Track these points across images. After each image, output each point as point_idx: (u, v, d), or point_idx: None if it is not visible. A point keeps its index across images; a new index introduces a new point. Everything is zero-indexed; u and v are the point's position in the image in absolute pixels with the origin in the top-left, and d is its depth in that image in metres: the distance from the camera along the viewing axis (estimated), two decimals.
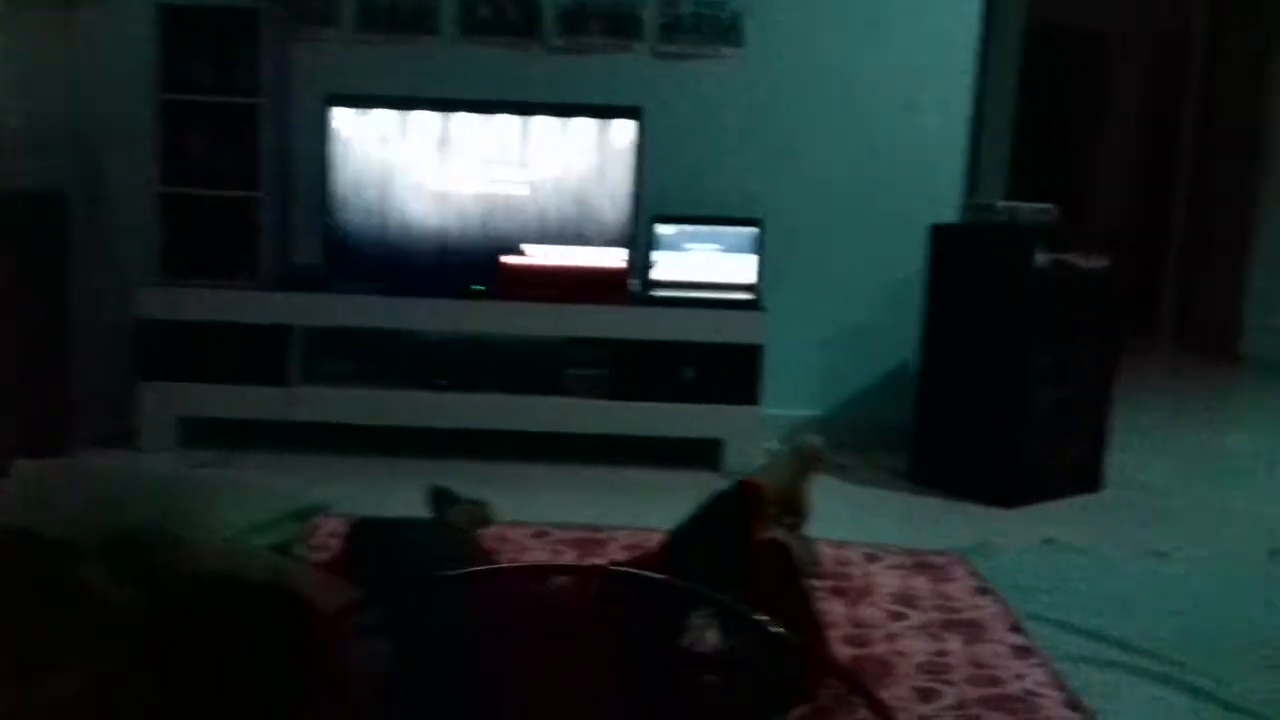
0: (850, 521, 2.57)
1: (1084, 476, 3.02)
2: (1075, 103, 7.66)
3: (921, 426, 3.08)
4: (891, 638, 1.82)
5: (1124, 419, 3.68)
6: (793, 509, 1.80)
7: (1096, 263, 2.97)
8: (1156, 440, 3.74)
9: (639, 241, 3.16)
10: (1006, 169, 5.55)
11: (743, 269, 3.21)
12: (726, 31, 3.34)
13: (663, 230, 3.22)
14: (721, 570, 1.62)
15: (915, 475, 3.05)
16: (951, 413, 2.99)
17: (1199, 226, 6.70)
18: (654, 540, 1.74)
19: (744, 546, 1.62)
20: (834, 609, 1.93)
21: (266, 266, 3.09)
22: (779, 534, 1.67)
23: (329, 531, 2.05)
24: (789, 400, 3.37)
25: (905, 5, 3.33)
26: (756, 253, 3.21)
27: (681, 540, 1.67)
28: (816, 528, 1.96)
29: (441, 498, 2.14)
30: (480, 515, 2.12)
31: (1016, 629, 1.89)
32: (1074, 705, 1.60)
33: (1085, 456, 3.03)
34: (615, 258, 3.12)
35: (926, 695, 1.61)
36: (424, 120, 3.10)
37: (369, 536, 1.70)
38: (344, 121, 3.07)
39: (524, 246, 3.11)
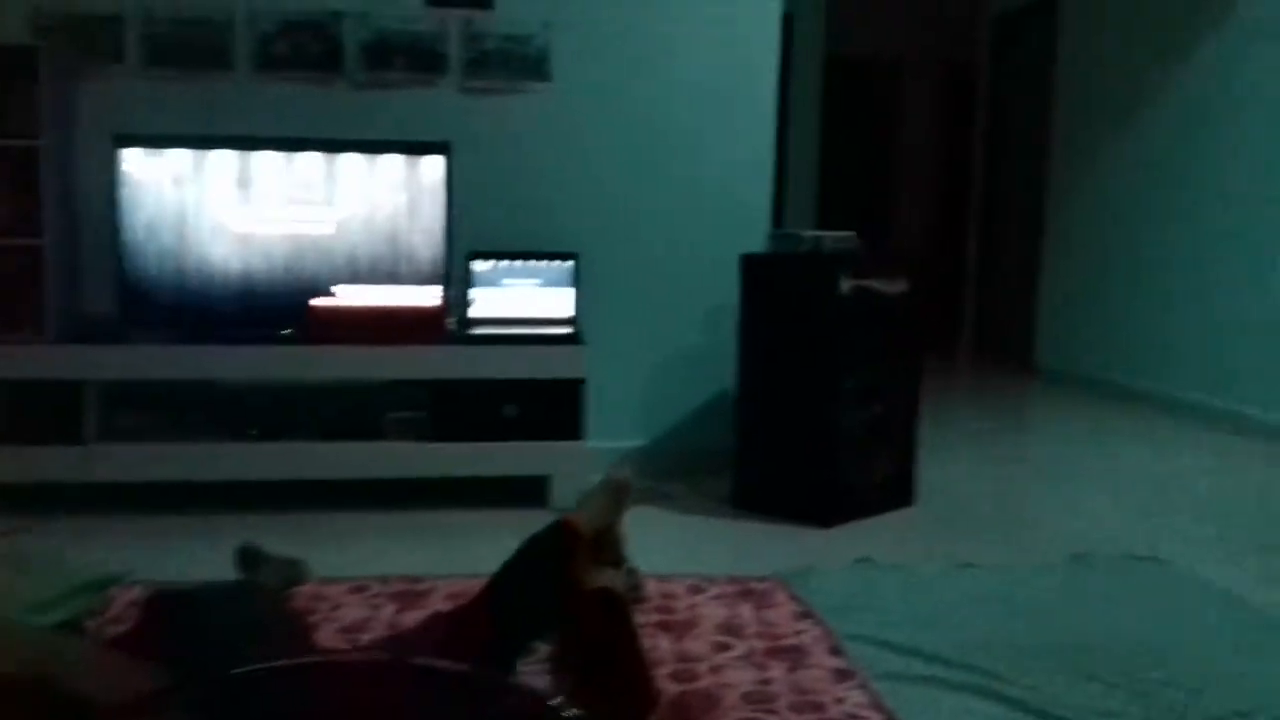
0: (676, 551, 2.59)
1: (897, 492, 3.14)
2: (875, 131, 8.01)
3: (742, 452, 3.13)
4: (717, 670, 1.83)
5: (932, 434, 3.85)
6: (610, 543, 1.80)
7: (897, 287, 3.10)
8: (963, 452, 3.92)
9: (454, 279, 3.12)
10: (815, 197, 5.75)
11: (561, 303, 3.21)
12: (533, 66, 3.34)
13: (478, 266, 3.19)
14: (541, 612, 1.61)
15: (738, 500, 3.10)
16: (770, 437, 3.05)
17: (993, 247, 7.09)
18: (477, 587, 1.70)
19: (562, 586, 1.61)
20: (660, 644, 1.93)
21: (54, 318, 2.90)
22: (607, 578, 1.66)
23: (129, 600, 1.93)
24: (614, 432, 3.38)
25: (707, 38, 3.41)
26: (574, 286, 3.21)
27: (500, 585, 1.64)
28: (644, 560, 1.97)
29: (251, 557, 2.04)
30: (293, 574, 2.03)
31: (836, 651, 1.93)
32: None
33: (897, 473, 3.15)
34: (430, 296, 3.07)
35: None
36: (221, 160, 2.98)
37: (168, 607, 1.60)
38: (134, 162, 2.92)
39: (334, 288, 3.03)
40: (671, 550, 2.59)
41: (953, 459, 3.76)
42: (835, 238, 3.12)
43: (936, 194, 8.02)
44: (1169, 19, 5.15)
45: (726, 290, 3.38)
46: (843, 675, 1.82)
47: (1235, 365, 4.59)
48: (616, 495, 1.79)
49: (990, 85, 7.09)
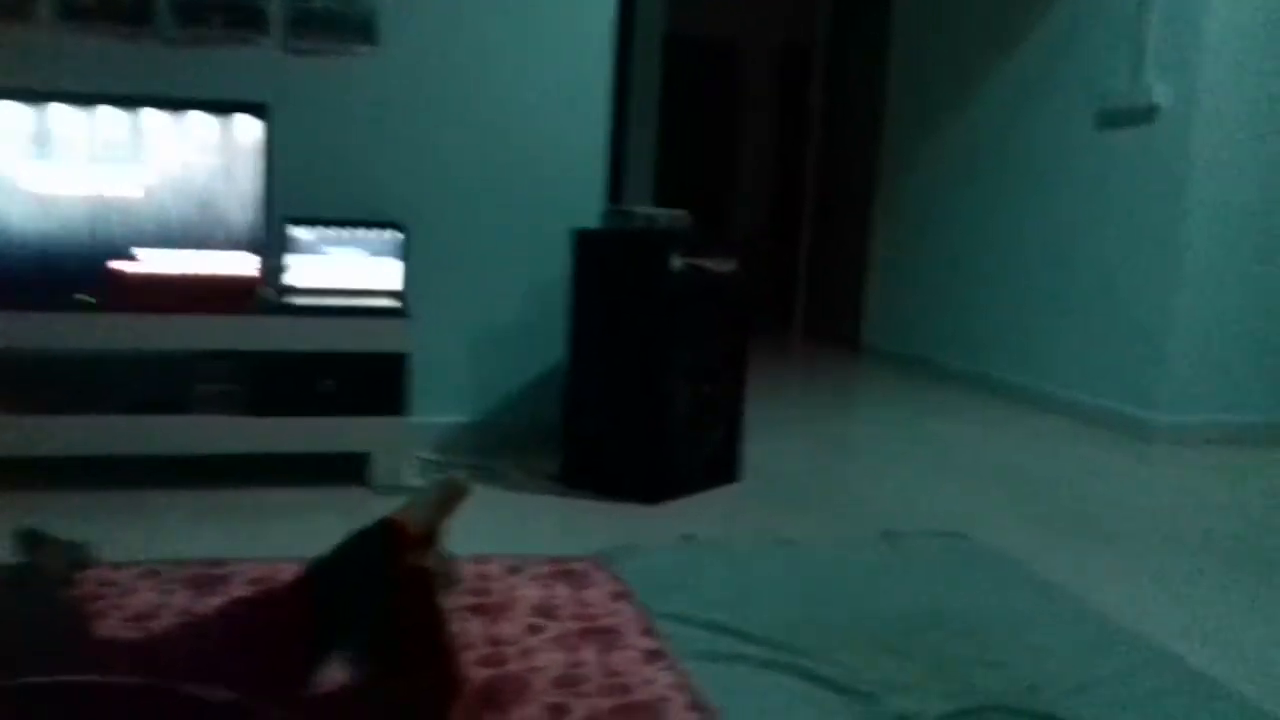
0: (500, 530, 2.55)
1: (723, 469, 3.17)
2: (715, 111, 8.07)
3: (571, 428, 3.11)
4: (528, 653, 1.81)
5: (761, 412, 3.89)
6: (437, 545, 1.74)
7: (728, 266, 3.12)
8: (789, 430, 3.99)
9: (272, 246, 2.98)
10: (653, 175, 5.75)
11: (387, 274, 3.12)
12: (360, 28, 3.22)
13: (298, 234, 3.06)
14: (364, 610, 1.55)
15: (567, 477, 3.08)
16: (598, 413, 3.04)
17: (827, 228, 7.25)
18: (284, 573, 1.62)
19: (388, 585, 1.56)
20: (472, 628, 1.89)
21: None
22: (418, 557, 1.62)
23: None
24: (440, 407, 3.31)
25: (542, 9, 3.35)
26: (401, 257, 3.12)
27: (323, 579, 1.58)
28: (465, 541, 1.92)
29: (30, 540, 1.91)
30: (77, 557, 1.91)
31: (649, 632, 1.93)
32: (697, 706, 1.65)
33: (724, 449, 3.18)
34: (245, 264, 2.93)
35: (558, 711, 1.60)
36: (15, 114, 2.77)
37: None
38: None
39: (139, 252, 2.86)
40: (495, 529, 2.55)
41: (779, 436, 3.82)
42: (668, 216, 3.12)
43: (774, 175, 8.15)
44: (995, 9, 5.33)
45: (558, 265, 3.34)
46: (654, 656, 1.82)
47: (1044, 346, 4.82)
48: (449, 499, 1.72)
49: (827, 68, 7.23)
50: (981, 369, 5.27)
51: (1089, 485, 3.39)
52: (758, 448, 3.47)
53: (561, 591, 2.10)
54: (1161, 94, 4.12)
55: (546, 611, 2.00)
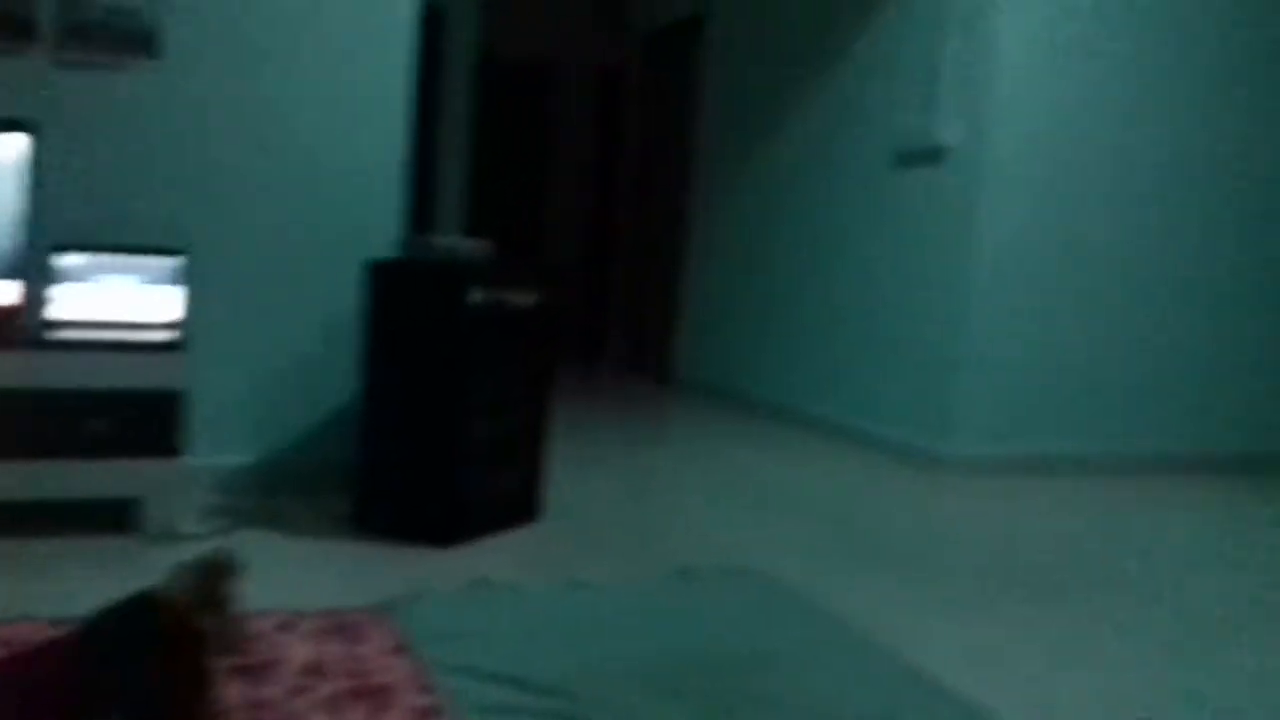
0: (279, 580, 2.40)
1: (523, 508, 3.10)
2: (531, 137, 8.03)
3: (363, 468, 2.99)
4: (291, 718, 1.69)
5: (567, 447, 3.85)
6: (219, 606, 1.62)
7: (530, 298, 3.06)
8: (596, 466, 3.96)
9: (35, 274, 2.76)
10: (466, 202, 5.66)
11: (165, 304, 2.92)
12: (141, 40, 3.03)
13: (65, 261, 2.84)
14: (131, 675, 1.44)
15: (359, 520, 2.95)
16: (392, 452, 2.93)
17: (641, 259, 7.28)
18: (33, 633, 1.47)
19: (156, 650, 1.45)
20: (234, 692, 1.76)
21: None
22: (193, 619, 1.51)
23: None
24: (222, 447, 3.13)
25: (336, 29, 3.23)
26: (181, 287, 2.93)
27: (90, 641, 1.46)
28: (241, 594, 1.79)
29: None
30: None
31: (426, 688, 1.84)
32: None
33: (524, 488, 3.11)
34: (4, 292, 2.70)
35: None
36: None
37: None
38: None
39: None
40: (275, 579, 2.40)
41: (584, 472, 3.78)
42: (469, 246, 3.04)
43: (590, 204, 8.16)
44: (800, 46, 5.48)
45: (351, 296, 3.22)
46: (428, 714, 1.73)
47: (847, 379, 4.94)
48: (217, 573, 1.58)
49: (641, 98, 7.29)
50: (789, 401, 5.37)
51: (886, 516, 3.47)
52: (562, 484, 3.42)
53: (335, 648, 1.99)
54: (951, 135, 4.30)
55: (316, 670, 1.88)
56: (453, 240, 3.05)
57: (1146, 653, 2.36)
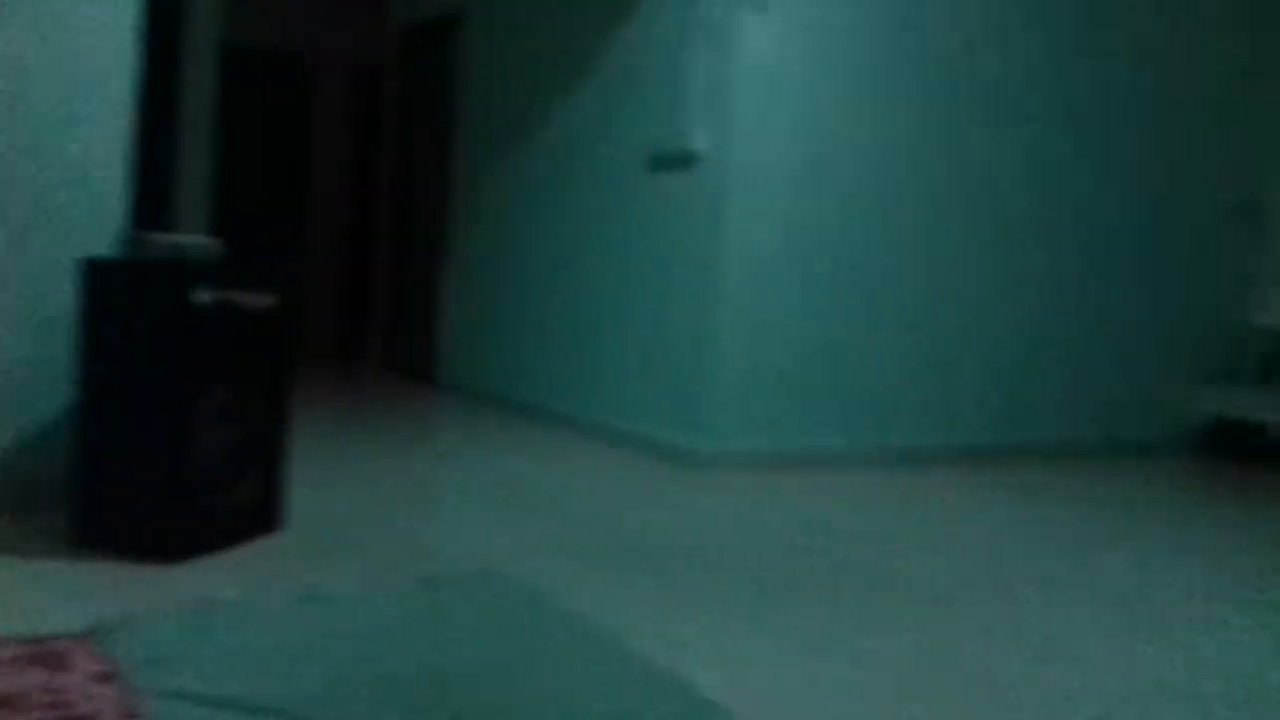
0: None
1: (262, 519, 2.95)
2: (287, 133, 7.72)
3: (82, 480, 2.76)
4: None
5: (321, 451, 3.71)
6: None
7: (263, 300, 2.92)
8: (347, 470, 3.83)
9: None
10: (210, 199, 5.36)
11: None
12: None
13: None
14: None
15: (77, 536, 2.72)
16: (114, 462, 2.72)
17: (402, 259, 7.13)
18: None
19: None
20: None
21: None
22: None
23: None
24: None
25: (51, 9, 2.98)
26: None
27: None
28: None
29: None
30: None
31: (134, 715, 1.71)
32: None
33: (263, 498, 2.96)
34: None
35: None
36: None
37: None
38: None
39: None
40: None
41: (334, 479, 3.65)
42: (197, 245, 2.87)
43: (349, 203, 7.93)
44: (555, 48, 5.49)
45: (65, 296, 2.98)
46: None
47: (604, 379, 4.99)
48: None
49: (399, 97, 7.13)
50: (549, 402, 5.37)
51: (639, 515, 3.51)
52: (309, 493, 3.28)
53: (33, 679, 1.82)
54: (700, 140, 4.41)
55: (9, 704, 1.72)
56: (178, 238, 2.87)
57: (892, 647, 2.47)
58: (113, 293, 2.74)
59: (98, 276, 2.75)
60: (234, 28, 6.07)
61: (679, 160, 4.54)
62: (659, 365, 4.65)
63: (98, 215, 3.06)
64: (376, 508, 3.37)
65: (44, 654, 1.93)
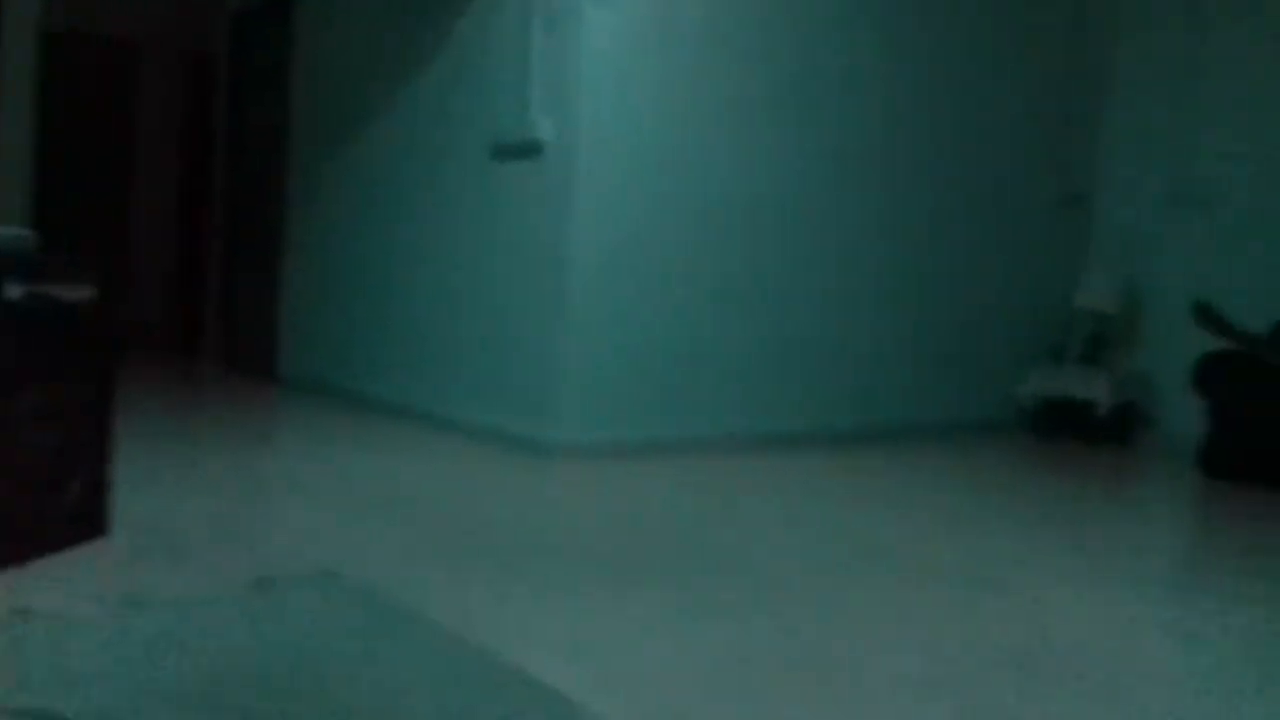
0: None
1: (85, 524, 2.80)
2: (112, 121, 7.38)
3: None
4: None
5: (156, 451, 3.55)
6: None
7: (82, 294, 2.77)
8: (183, 470, 3.68)
9: None
10: (28, 189, 5.08)
11: None
12: None
13: None
14: None
15: None
16: None
17: (238, 251, 6.90)
18: None
19: None
20: None
21: None
22: None
23: None
24: None
25: None
26: None
27: None
28: None
29: None
30: None
31: None
32: None
33: (85, 501, 2.81)
34: None
35: None
36: None
37: None
38: None
39: None
40: None
41: (169, 481, 3.50)
42: (11, 236, 2.70)
43: (179, 194, 7.63)
44: (391, 37, 5.38)
45: None
46: None
47: (450, 371, 4.92)
48: None
49: (231, 83, 6.89)
50: (397, 397, 5.27)
51: (488, 508, 3.47)
52: (140, 495, 3.14)
53: None
54: (545, 129, 4.37)
55: None
56: None
57: (733, 630, 2.50)
58: None
59: None
60: (57, 11, 5.76)
61: (524, 149, 4.50)
62: (510, 357, 4.61)
63: None
64: (211, 509, 3.24)
65: None
